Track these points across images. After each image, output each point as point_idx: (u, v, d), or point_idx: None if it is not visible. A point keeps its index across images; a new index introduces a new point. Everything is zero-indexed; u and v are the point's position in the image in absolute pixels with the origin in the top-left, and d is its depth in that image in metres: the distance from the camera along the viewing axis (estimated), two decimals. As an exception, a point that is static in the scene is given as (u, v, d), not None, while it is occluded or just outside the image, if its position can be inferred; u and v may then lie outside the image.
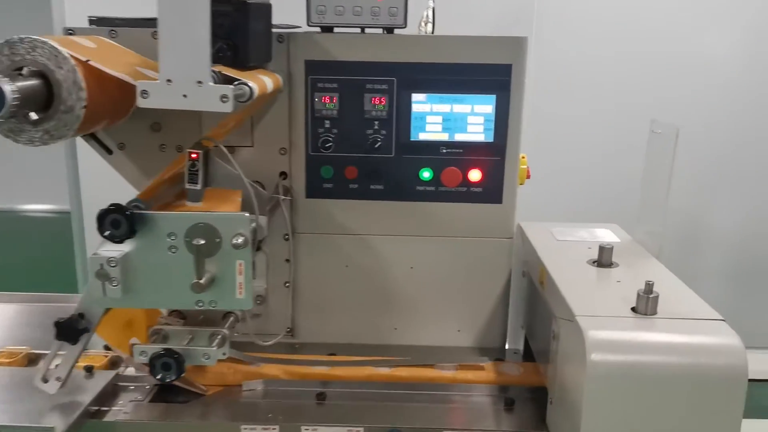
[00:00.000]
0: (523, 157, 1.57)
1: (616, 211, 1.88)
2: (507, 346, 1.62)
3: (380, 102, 1.47)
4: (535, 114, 2.85)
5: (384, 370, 1.42)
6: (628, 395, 1.01)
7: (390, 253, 1.56)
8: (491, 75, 1.46)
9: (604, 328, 1.05)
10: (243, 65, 1.22)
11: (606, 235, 1.58)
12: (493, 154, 1.50)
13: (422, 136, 1.49)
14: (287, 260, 1.55)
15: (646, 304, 1.10)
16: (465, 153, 1.50)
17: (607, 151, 2.91)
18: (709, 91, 2.87)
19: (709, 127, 2.89)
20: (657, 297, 1.10)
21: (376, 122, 1.48)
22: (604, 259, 1.35)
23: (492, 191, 1.52)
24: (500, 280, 1.58)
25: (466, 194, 1.52)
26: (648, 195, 1.51)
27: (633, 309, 1.12)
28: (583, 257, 1.40)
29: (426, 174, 1.50)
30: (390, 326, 1.60)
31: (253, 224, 1.19)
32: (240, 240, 1.13)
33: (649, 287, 1.11)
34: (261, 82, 1.22)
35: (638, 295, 1.11)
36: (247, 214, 1.14)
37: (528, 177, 1.61)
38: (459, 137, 1.49)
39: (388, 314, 1.59)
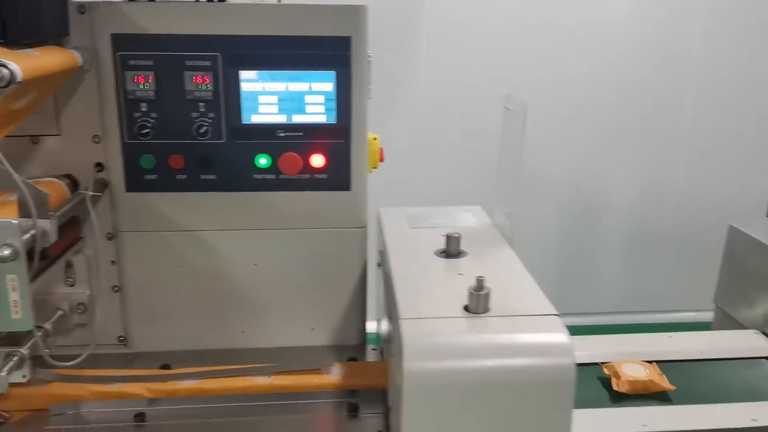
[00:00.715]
0: (374, 139, 1.45)
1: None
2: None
3: (204, 81, 1.30)
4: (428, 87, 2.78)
5: (213, 383, 1.27)
6: (448, 403, 0.91)
7: (229, 249, 1.40)
8: (329, 49, 1.31)
9: (424, 333, 0.94)
10: (16, 42, 1.03)
11: (465, 219, 1.48)
12: (337, 137, 1.36)
13: (256, 119, 1.33)
14: (113, 262, 1.38)
15: (477, 303, 1.00)
16: (305, 136, 1.35)
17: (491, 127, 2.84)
18: (601, 62, 2.82)
19: (605, 99, 2.86)
20: (488, 294, 1.00)
21: (201, 104, 1.31)
22: (451, 248, 1.25)
23: (339, 178, 1.39)
24: (354, 274, 1.45)
25: (310, 182, 1.38)
26: (503, 174, 1.41)
27: (466, 307, 1.02)
28: (434, 246, 1.29)
29: (263, 161, 1.35)
30: (237, 329, 1.46)
31: (32, 231, 1.01)
32: (7, 252, 0.95)
33: (480, 284, 1.00)
34: (36, 61, 1.03)
35: (469, 292, 1.01)
36: (13, 221, 0.96)
37: (381, 160, 1.49)
38: (297, 119, 1.34)
39: (233, 316, 1.44)
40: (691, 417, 1.26)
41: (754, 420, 1.23)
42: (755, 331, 1.61)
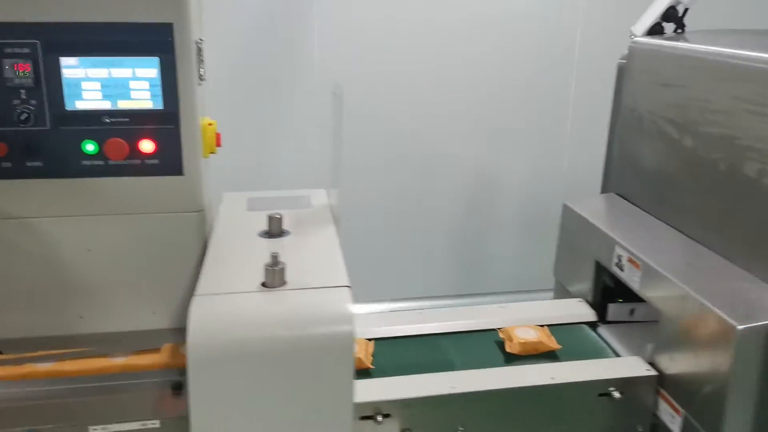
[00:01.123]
0: (209, 125, 1.48)
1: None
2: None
3: (24, 68, 1.30)
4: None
5: (44, 366, 1.29)
6: (233, 375, 0.96)
7: (60, 236, 1.41)
8: (150, 35, 1.33)
9: (211, 308, 0.99)
10: None
11: (305, 202, 1.54)
12: (165, 123, 1.38)
13: (81, 105, 1.34)
14: (-62, 252, 1.37)
15: (272, 277, 1.06)
16: (132, 122, 1.37)
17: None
18: (490, 48, 2.89)
19: (495, 83, 2.94)
20: (283, 269, 1.07)
21: (23, 91, 1.31)
22: (273, 229, 1.30)
23: (170, 163, 1.41)
24: (193, 257, 1.48)
25: (141, 167, 1.40)
26: (334, 156, 1.48)
27: (264, 283, 1.07)
28: (261, 228, 1.34)
29: (90, 147, 1.36)
30: (75, 315, 1.46)
31: None
32: None
33: (274, 260, 1.06)
34: None
35: (265, 268, 1.06)
36: None
37: (219, 145, 1.53)
38: (123, 105, 1.35)
39: (69, 302, 1.45)
40: (497, 377, 1.36)
41: (552, 378, 1.35)
42: (580, 299, 1.74)
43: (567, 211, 1.84)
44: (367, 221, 2.90)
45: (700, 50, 1.53)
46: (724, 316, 1.16)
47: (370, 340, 1.51)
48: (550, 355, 1.49)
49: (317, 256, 1.19)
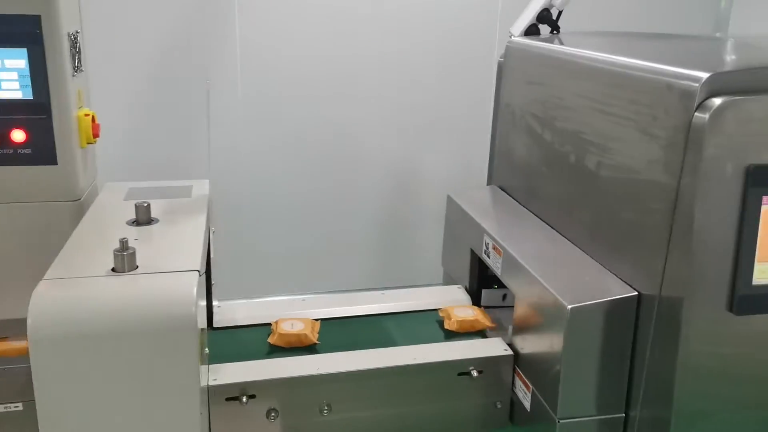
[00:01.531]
0: (86, 115, 1.50)
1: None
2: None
3: None
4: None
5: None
6: (76, 357, 1.00)
7: (-72, 224, 1.41)
8: (18, 27, 1.35)
9: (54, 292, 1.02)
10: None
11: (185, 191, 1.58)
12: (37, 113, 1.40)
13: (-51, 94, 1.35)
14: None
15: (122, 262, 1.10)
16: (2, 112, 1.39)
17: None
18: (413, 42, 2.91)
19: (418, 76, 2.97)
20: (133, 254, 1.11)
21: None
22: (140, 217, 1.34)
23: (43, 152, 1.43)
24: (69, 245, 1.51)
25: (13, 156, 1.42)
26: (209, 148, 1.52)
27: (113, 268, 1.11)
28: (130, 216, 1.37)
29: (-41, 136, 1.37)
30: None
31: None
32: None
33: (123, 245, 1.10)
34: None
35: (114, 253, 1.10)
36: None
37: (96, 136, 1.55)
38: (-8, 95, 1.37)
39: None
40: (364, 358, 1.43)
41: (414, 359, 1.43)
42: (459, 286, 1.83)
43: (450, 202, 1.93)
44: (289, 215, 2.93)
45: (556, 50, 1.64)
46: (558, 297, 1.26)
47: (317, 320, 1.61)
48: (480, 333, 1.61)
49: (177, 243, 1.23)
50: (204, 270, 1.20)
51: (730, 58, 1.53)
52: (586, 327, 1.24)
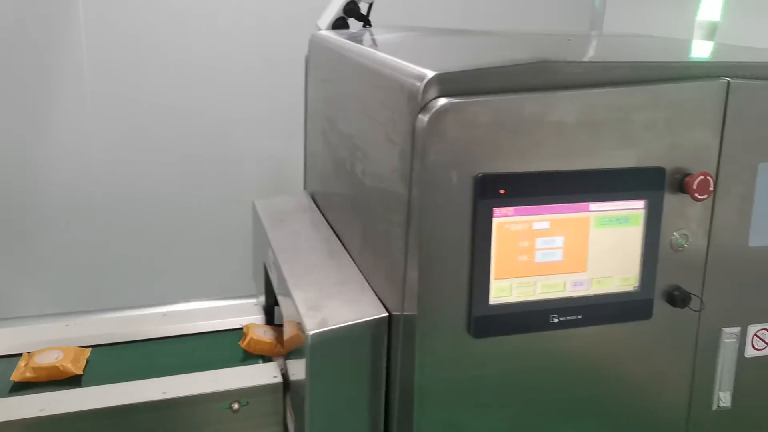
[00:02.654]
0: None
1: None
2: None
3: None
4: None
5: None
6: None
7: None
8: None
9: None
10: None
11: None
12: None
13: None
14: None
15: None
16: None
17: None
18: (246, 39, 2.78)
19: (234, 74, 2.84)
20: None
21: None
22: None
23: None
24: None
25: None
26: None
27: None
28: None
29: None
30: None
31: None
32: None
33: None
34: None
35: None
36: None
37: None
38: None
39: None
40: (114, 393, 1.27)
41: (164, 393, 1.27)
42: (256, 302, 1.69)
43: (254, 210, 1.77)
44: (158, 219, 2.72)
45: (338, 46, 1.50)
46: (304, 321, 1.13)
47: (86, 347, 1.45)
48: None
49: None
50: None
51: (475, 57, 1.37)
52: (329, 353, 1.11)
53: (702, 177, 1.06)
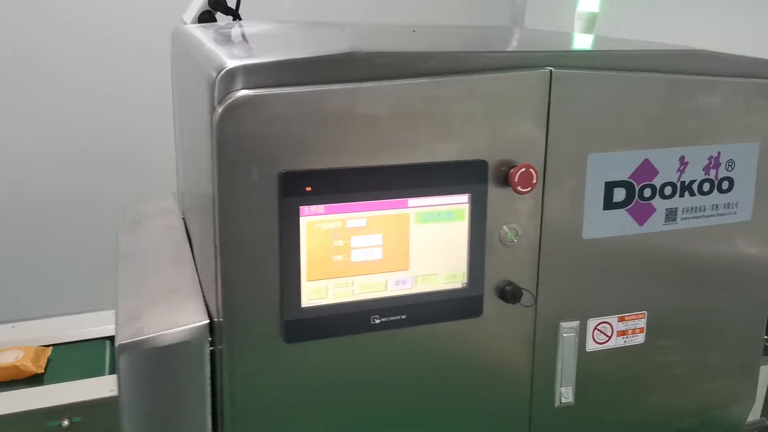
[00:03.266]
0: None
1: None
2: None
3: None
4: None
5: None
6: None
7: None
8: None
9: None
10: None
11: None
12: None
13: None
14: None
15: None
16: None
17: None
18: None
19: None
20: None
21: None
22: None
23: None
24: None
25: None
26: None
27: None
28: None
29: None
30: None
31: None
32: None
33: None
34: None
35: None
36: None
37: None
38: None
39: None
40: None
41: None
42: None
43: (121, 214, 1.68)
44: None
45: (187, 41, 1.43)
46: (117, 331, 1.06)
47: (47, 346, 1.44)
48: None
49: None
50: None
51: (293, 49, 1.30)
52: (141, 364, 1.04)
53: (524, 169, 1.03)
